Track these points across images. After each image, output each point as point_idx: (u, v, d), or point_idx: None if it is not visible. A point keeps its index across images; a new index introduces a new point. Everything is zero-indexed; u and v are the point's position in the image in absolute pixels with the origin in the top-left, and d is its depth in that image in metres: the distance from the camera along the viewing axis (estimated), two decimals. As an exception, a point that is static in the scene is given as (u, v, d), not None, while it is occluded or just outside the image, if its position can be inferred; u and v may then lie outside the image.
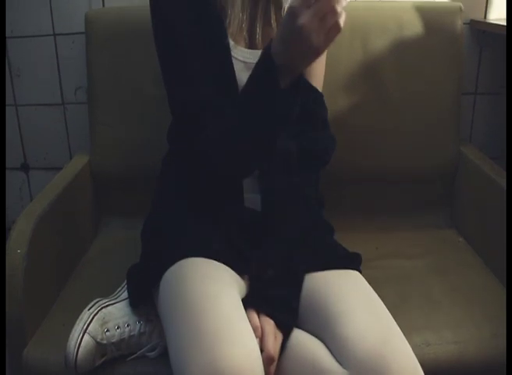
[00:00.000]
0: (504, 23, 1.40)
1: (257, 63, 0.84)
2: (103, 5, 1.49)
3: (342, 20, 0.73)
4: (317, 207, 1.11)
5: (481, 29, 1.48)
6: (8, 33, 1.54)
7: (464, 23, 1.42)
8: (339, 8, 0.71)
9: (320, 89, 1.10)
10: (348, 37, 1.33)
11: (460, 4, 1.39)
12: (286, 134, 1.02)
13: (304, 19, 0.72)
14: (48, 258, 1.18)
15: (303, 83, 0.83)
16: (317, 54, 0.78)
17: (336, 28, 0.73)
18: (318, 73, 1.09)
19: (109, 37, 1.40)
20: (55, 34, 1.53)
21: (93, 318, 0.95)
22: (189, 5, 0.94)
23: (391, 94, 1.38)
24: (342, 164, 1.21)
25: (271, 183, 1.04)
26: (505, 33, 1.35)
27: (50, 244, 1.19)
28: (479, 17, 1.50)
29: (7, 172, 1.68)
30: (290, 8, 0.74)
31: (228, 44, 0.97)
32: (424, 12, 1.37)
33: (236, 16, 0.95)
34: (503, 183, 1.22)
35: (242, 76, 0.96)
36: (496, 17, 1.50)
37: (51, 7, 1.50)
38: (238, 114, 0.89)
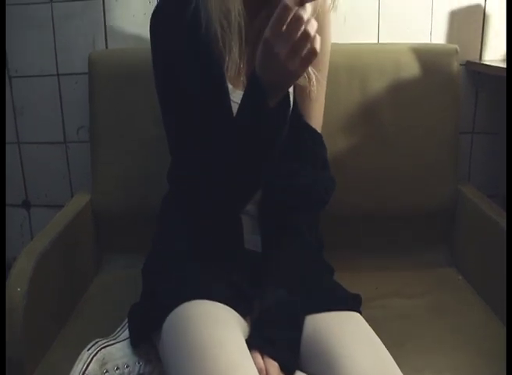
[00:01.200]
0: (498, 64, 1.43)
1: (246, 87, 0.87)
2: (106, 47, 1.53)
3: (316, 44, 0.76)
4: (316, 248, 1.11)
5: (476, 70, 1.51)
6: (12, 72, 1.57)
7: (460, 64, 1.45)
8: (311, 33, 0.74)
9: (319, 130, 1.11)
10: (347, 78, 1.36)
11: (456, 46, 1.42)
12: (286, 174, 1.04)
13: (278, 48, 0.76)
14: (49, 296, 1.17)
15: (289, 102, 0.86)
16: (295, 77, 0.82)
17: (312, 52, 0.76)
18: (316, 115, 1.11)
19: (112, 77, 1.42)
20: (58, 74, 1.56)
21: (92, 358, 0.94)
22: (188, 49, 0.96)
23: (390, 135, 1.40)
24: (341, 203, 1.22)
25: (270, 225, 1.05)
26: (500, 74, 1.38)
27: (50, 282, 1.19)
28: (475, 58, 1.53)
29: (8, 208, 1.69)
30: (265, 39, 0.77)
31: (227, 88, 0.99)
32: (421, 54, 1.40)
33: (234, 62, 0.97)
34: (503, 222, 1.22)
35: None
36: (491, 58, 1.53)
37: (55, 48, 1.54)
38: (230, 138, 0.91)
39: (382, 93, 1.38)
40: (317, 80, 1.04)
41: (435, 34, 1.50)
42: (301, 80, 1.02)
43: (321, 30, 1.02)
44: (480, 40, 1.52)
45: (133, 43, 1.51)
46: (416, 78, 1.39)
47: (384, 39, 1.49)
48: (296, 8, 0.73)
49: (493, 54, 1.53)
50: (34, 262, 1.10)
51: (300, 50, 0.76)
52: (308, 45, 0.75)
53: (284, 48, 0.75)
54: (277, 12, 0.74)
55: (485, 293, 1.29)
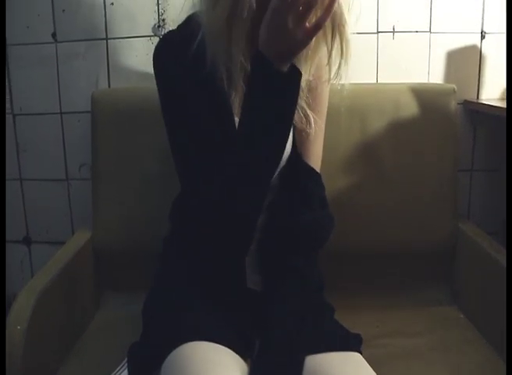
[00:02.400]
0: (496, 103, 1.45)
1: (252, 61, 0.88)
2: (109, 86, 1.55)
3: (322, 19, 0.80)
4: (317, 287, 1.11)
5: (474, 109, 1.53)
6: (16, 110, 1.60)
7: (458, 103, 1.47)
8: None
9: (318, 169, 1.11)
10: (346, 118, 1.37)
11: (454, 85, 1.44)
12: (285, 213, 1.04)
13: (285, 15, 0.78)
14: (49, 333, 1.17)
15: (298, 70, 0.86)
16: (303, 46, 0.84)
17: (319, 22, 0.80)
18: (315, 155, 1.12)
19: (114, 116, 1.44)
20: (61, 113, 1.58)
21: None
22: (194, 81, 0.96)
23: (389, 173, 1.41)
24: (341, 242, 1.21)
25: (271, 264, 1.05)
26: (497, 113, 1.40)
27: (50, 320, 1.18)
28: (472, 97, 1.55)
29: (9, 244, 1.69)
30: (272, 8, 0.80)
31: (233, 119, 0.99)
32: (419, 94, 1.42)
33: (238, 99, 0.98)
34: (503, 260, 1.22)
35: None
36: (488, 97, 1.56)
37: (59, 86, 1.57)
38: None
39: (382, 132, 1.40)
40: (315, 122, 1.05)
41: (433, 74, 1.53)
42: (300, 123, 1.04)
43: (321, 80, 1.05)
44: (477, 79, 1.54)
45: (136, 82, 1.53)
46: (415, 117, 1.41)
47: (383, 79, 1.53)
48: None
49: (490, 93, 1.55)
50: (34, 300, 1.10)
51: (306, 17, 0.79)
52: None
53: (292, 15, 0.78)
54: None
55: (486, 331, 1.28)
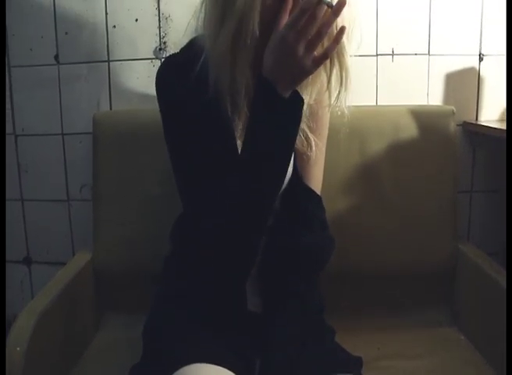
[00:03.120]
0: (495, 125, 1.46)
1: (256, 85, 0.89)
2: (110, 108, 1.56)
3: (330, 49, 0.82)
4: (317, 309, 1.11)
5: (473, 130, 1.53)
6: (18, 131, 1.61)
7: (457, 125, 1.48)
8: (326, 31, 0.80)
9: (318, 192, 1.12)
10: (346, 140, 1.38)
11: (453, 107, 1.45)
12: (285, 235, 1.05)
13: (295, 44, 0.81)
14: (48, 355, 1.16)
15: (300, 96, 0.88)
16: (308, 74, 0.86)
17: (326, 52, 0.83)
18: (316, 177, 1.12)
19: (115, 138, 1.45)
20: (63, 134, 1.59)
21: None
22: (196, 103, 0.96)
23: (389, 195, 1.41)
24: (341, 264, 1.22)
25: (271, 286, 1.05)
26: (496, 134, 1.41)
27: (50, 342, 1.18)
28: (471, 119, 1.56)
29: (9, 265, 1.69)
30: (282, 36, 0.82)
31: (235, 143, 0.99)
32: (418, 116, 1.43)
33: (243, 123, 0.98)
34: (503, 281, 1.22)
35: None
36: (487, 118, 1.57)
37: (60, 108, 1.58)
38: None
39: (381, 154, 1.41)
40: (316, 145, 1.06)
41: (432, 96, 1.54)
42: (301, 146, 1.05)
43: (321, 103, 1.06)
44: (476, 101, 1.55)
45: (137, 104, 1.54)
46: (414, 139, 1.42)
47: (382, 101, 1.54)
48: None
49: (489, 114, 1.57)
50: (34, 322, 1.10)
51: (316, 46, 0.81)
52: (315, 28, 0.80)
53: (302, 44, 0.81)
54: (297, 11, 0.79)
55: (487, 353, 1.28)
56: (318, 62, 0.84)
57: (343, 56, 0.91)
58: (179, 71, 0.99)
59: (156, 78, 1.02)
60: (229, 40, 0.87)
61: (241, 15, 0.84)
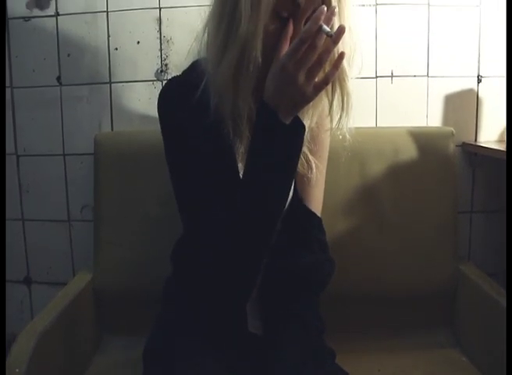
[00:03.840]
0: (494, 145, 1.47)
1: (257, 111, 0.90)
2: (112, 129, 1.58)
3: (330, 75, 0.83)
4: (318, 331, 1.11)
5: (472, 151, 1.54)
6: (20, 151, 1.62)
7: (457, 146, 1.49)
8: (326, 59, 0.81)
9: (319, 214, 1.12)
10: (346, 162, 1.38)
11: (452, 128, 1.46)
12: (285, 256, 1.05)
13: (295, 72, 0.82)
14: (48, 376, 1.16)
15: (301, 122, 0.88)
16: (309, 101, 0.86)
17: (326, 78, 0.83)
18: (316, 199, 1.12)
19: (116, 159, 1.46)
20: (64, 154, 1.60)
21: None
22: (198, 125, 0.97)
23: (389, 216, 1.42)
24: (341, 285, 1.21)
25: (271, 308, 1.05)
26: (495, 155, 1.41)
27: (50, 363, 1.17)
28: (470, 140, 1.57)
29: (9, 284, 1.69)
30: (282, 65, 0.83)
31: (237, 165, 1.00)
32: (418, 137, 1.44)
33: (245, 147, 0.99)
34: (504, 301, 1.22)
35: None
36: (486, 139, 1.58)
37: (62, 129, 1.59)
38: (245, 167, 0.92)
39: (381, 175, 1.41)
40: (316, 168, 1.07)
41: (431, 118, 1.55)
42: (301, 169, 1.05)
43: (322, 126, 1.07)
44: (475, 122, 1.56)
45: (138, 126, 1.56)
46: (414, 160, 1.42)
47: (382, 123, 1.55)
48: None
49: (488, 135, 1.57)
50: (34, 343, 1.10)
51: (316, 73, 0.82)
52: (315, 57, 0.81)
53: (302, 71, 0.81)
54: (297, 40, 0.80)
55: (489, 374, 1.27)
56: (319, 88, 0.84)
57: (345, 81, 0.92)
58: (181, 94, 0.99)
59: (158, 100, 1.03)
60: (231, 66, 0.88)
61: (244, 42, 0.85)
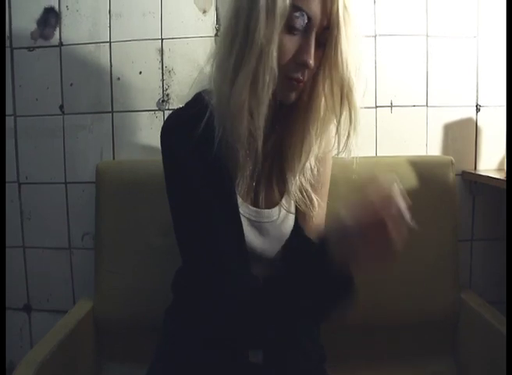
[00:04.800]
0: (494, 174, 1.48)
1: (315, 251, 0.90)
2: (113, 158, 1.59)
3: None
4: (318, 360, 1.10)
5: (472, 179, 1.55)
6: (22, 179, 1.63)
7: (456, 175, 1.49)
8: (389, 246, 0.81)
9: (320, 244, 1.13)
10: (345, 191, 1.38)
11: (451, 157, 1.47)
12: (285, 288, 1.05)
13: (356, 241, 0.81)
14: (47, 407, 1.15)
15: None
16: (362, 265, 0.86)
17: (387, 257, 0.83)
18: (318, 229, 1.12)
19: (118, 188, 1.47)
20: (66, 182, 1.61)
21: None
22: (201, 163, 0.97)
23: (389, 245, 1.41)
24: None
25: (272, 337, 1.05)
26: (494, 184, 1.42)
27: (50, 393, 1.16)
28: (470, 168, 1.58)
29: (9, 312, 1.68)
30: (349, 234, 0.82)
31: (237, 203, 1.00)
32: (418, 166, 1.45)
33: (245, 180, 1.00)
34: (505, 330, 1.21)
35: (247, 231, 1.01)
36: (485, 167, 1.58)
37: (64, 157, 1.60)
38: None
39: (381, 204, 1.41)
40: (319, 206, 1.07)
41: (431, 147, 1.56)
42: (304, 206, 1.06)
43: (323, 162, 1.07)
44: (474, 151, 1.57)
45: (140, 155, 1.57)
46: (414, 189, 1.43)
47: (382, 152, 1.56)
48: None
49: (488, 163, 1.58)
50: (33, 372, 1.09)
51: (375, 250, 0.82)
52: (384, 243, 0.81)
53: (363, 245, 0.81)
54: (375, 221, 0.80)
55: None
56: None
57: (352, 94, 0.92)
58: (183, 131, 0.99)
59: (161, 134, 1.02)
60: (248, 79, 0.87)
61: (260, 49, 0.85)
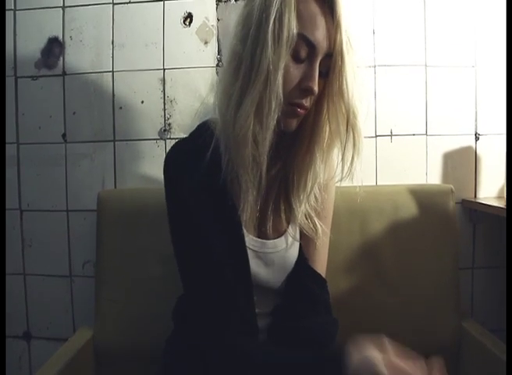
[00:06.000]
0: (494, 202, 1.48)
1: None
2: (115, 186, 1.60)
3: None
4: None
5: (472, 207, 1.55)
6: (24, 206, 1.63)
7: (456, 203, 1.50)
8: None
9: (323, 274, 1.12)
10: (346, 220, 1.40)
11: (451, 186, 1.48)
12: (289, 317, 1.04)
13: None
14: None
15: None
16: None
17: None
18: (321, 260, 1.13)
19: (119, 216, 1.47)
20: (68, 210, 1.62)
21: None
22: (205, 195, 0.98)
23: (390, 273, 1.42)
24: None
25: (273, 370, 1.04)
26: (494, 212, 1.42)
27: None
28: (470, 196, 1.58)
29: (8, 339, 1.68)
30: None
31: (243, 234, 1.00)
32: (417, 195, 1.46)
33: (249, 210, 1.00)
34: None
35: (252, 263, 1.01)
36: (485, 195, 1.59)
37: (66, 185, 1.61)
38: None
39: (382, 233, 1.42)
40: (322, 231, 1.08)
41: (431, 175, 1.57)
42: (309, 233, 1.06)
43: (327, 189, 1.08)
44: (474, 178, 1.58)
45: (141, 183, 1.57)
46: (414, 218, 1.43)
47: (382, 181, 1.57)
48: None
49: (487, 191, 1.59)
50: (32, 405, 1.09)
51: None
52: None
53: None
54: None
55: None
56: None
57: (357, 121, 0.94)
58: (187, 160, 1.00)
59: (164, 165, 1.03)
60: (254, 103, 0.88)
61: (267, 75, 0.87)
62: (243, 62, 0.90)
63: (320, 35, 0.89)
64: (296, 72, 0.90)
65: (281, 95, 0.88)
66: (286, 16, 0.86)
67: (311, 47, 0.89)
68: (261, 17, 0.87)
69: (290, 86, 0.90)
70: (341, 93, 0.91)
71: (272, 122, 0.89)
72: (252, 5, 0.91)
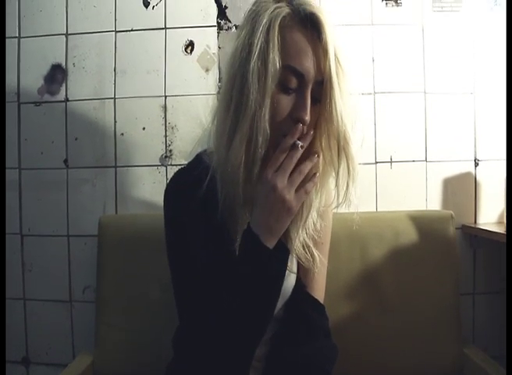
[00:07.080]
0: (493, 227, 1.48)
1: (241, 238, 0.93)
2: (116, 212, 1.60)
3: (309, 185, 0.91)
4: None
5: (473, 233, 1.56)
6: (25, 231, 1.63)
7: (456, 228, 1.50)
8: (305, 170, 0.90)
9: (322, 300, 1.12)
10: (347, 247, 1.40)
11: (451, 211, 1.48)
12: (289, 344, 1.04)
13: (275, 181, 0.88)
14: None
15: (285, 246, 0.93)
16: (289, 210, 0.90)
17: (305, 190, 0.91)
18: (319, 286, 1.12)
19: (120, 241, 1.47)
20: (68, 235, 1.62)
21: None
22: (203, 227, 0.98)
23: (390, 300, 1.42)
24: (343, 368, 1.19)
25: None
26: (494, 237, 1.42)
27: None
28: (470, 222, 1.59)
29: (7, 365, 1.66)
30: (264, 177, 0.90)
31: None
32: (417, 221, 1.46)
33: None
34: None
35: None
36: (485, 221, 1.59)
37: (67, 210, 1.62)
38: (232, 285, 0.92)
39: (382, 259, 1.42)
40: (320, 262, 1.08)
41: (431, 201, 1.58)
42: (306, 262, 1.06)
43: (324, 216, 1.08)
44: (473, 204, 1.59)
45: (142, 209, 1.59)
46: (414, 244, 1.44)
47: (382, 207, 1.57)
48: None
49: (487, 217, 1.59)
50: None
51: (296, 182, 0.89)
52: (301, 178, 0.90)
53: (280, 179, 0.88)
54: (276, 152, 0.90)
55: None
56: (300, 197, 0.90)
57: (348, 145, 0.94)
58: (186, 190, 1.00)
59: (164, 195, 1.04)
60: (243, 141, 0.90)
61: (253, 114, 0.88)
62: (232, 100, 0.91)
63: (308, 63, 0.89)
64: (287, 102, 0.91)
65: (267, 131, 0.89)
66: (270, 52, 0.87)
67: (300, 76, 0.90)
68: (245, 55, 0.89)
69: (281, 117, 0.91)
70: (331, 119, 0.91)
71: (260, 156, 0.91)
72: (238, 40, 0.92)
